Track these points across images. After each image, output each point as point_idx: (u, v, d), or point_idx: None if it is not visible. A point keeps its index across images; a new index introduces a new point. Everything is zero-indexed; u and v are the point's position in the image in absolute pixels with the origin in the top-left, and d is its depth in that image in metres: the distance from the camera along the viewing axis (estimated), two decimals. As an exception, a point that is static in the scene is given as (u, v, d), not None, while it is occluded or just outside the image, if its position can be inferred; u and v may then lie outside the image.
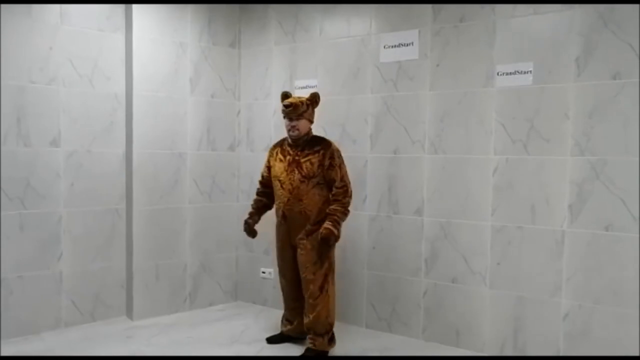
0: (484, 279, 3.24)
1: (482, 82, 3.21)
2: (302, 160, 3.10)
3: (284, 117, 3.16)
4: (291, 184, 3.10)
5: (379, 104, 3.59)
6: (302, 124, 3.11)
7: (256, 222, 3.38)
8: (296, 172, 3.10)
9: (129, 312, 3.82)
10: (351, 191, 3.12)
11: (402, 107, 3.50)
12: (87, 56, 3.61)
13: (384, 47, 3.56)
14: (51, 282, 3.52)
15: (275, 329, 3.60)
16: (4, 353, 3.10)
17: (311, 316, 3.11)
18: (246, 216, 3.41)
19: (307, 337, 3.19)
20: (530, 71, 3.04)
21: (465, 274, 3.30)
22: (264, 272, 4.22)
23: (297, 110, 3.08)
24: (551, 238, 3.02)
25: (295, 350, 3.28)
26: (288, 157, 3.15)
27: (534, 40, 3.04)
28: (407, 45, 3.46)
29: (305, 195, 3.09)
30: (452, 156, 3.33)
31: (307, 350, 3.16)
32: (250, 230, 3.37)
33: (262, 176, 3.40)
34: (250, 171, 4.24)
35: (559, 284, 3.00)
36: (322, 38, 3.85)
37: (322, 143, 3.14)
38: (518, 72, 3.08)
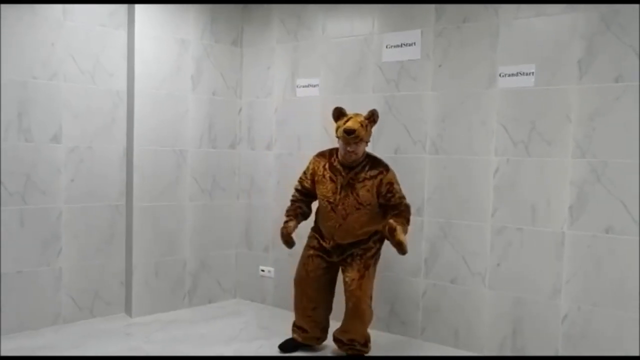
0: (483, 280, 3.25)
1: (484, 83, 3.21)
2: (358, 185, 2.90)
3: (339, 140, 2.91)
4: (344, 210, 2.92)
5: (380, 103, 3.59)
6: (360, 147, 2.90)
7: (294, 229, 3.08)
8: (351, 197, 2.91)
9: (128, 309, 3.83)
10: (410, 209, 3.01)
11: (404, 107, 3.50)
12: (89, 52, 3.61)
13: (387, 46, 3.56)
14: (51, 278, 3.52)
15: (274, 326, 3.61)
16: (3, 348, 3.10)
17: (353, 329, 3.04)
18: (281, 225, 3.13)
19: (347, 347, 3.08)
20: (533, 73, 3.05)
21: (465, 274, 3.31)
22: (263, 270, 4.22)
23: (359, 137, 2.84)
24: (551, 240, 3.02)
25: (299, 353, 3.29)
26: (340, 179, 2.94)
27: (537, 42, 3.04)
28: (410, 45, 3.46)
29: (359, 222, 2.95)
30: (453, 157, 3.33)
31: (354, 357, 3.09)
32: (287, 239, 3.05)
33: (303, 185, 3.14)
34: (251, 170, 4.25)
35: (558, 286, 3.01)
36: (325, 37, 3.85)
37: (378, 167, 2.95)
38: (520, 73, 3.08)
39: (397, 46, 3.51)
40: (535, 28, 3.05)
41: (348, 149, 2.87)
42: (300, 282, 3.15)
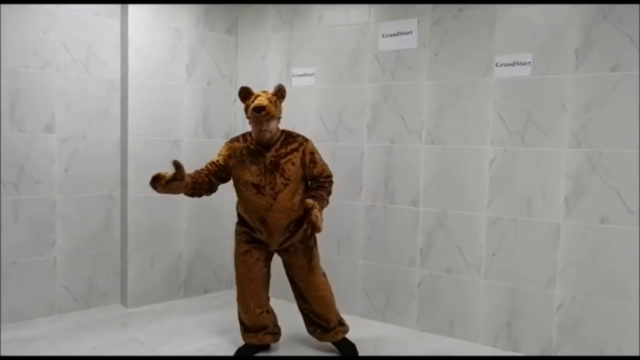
0: (478, 270, 3.25)
1: (480, 72, 3.19)
2: (282, 161, 2.82)
3: (250, 121, 2.82)
4: (273, 189, 2.81)
5: (376, 93, 3.57)
6: (272, 124, 2.80)
7: (182, 175, 2.74)
8: (277, 174, 2.81)
9: (124, 300, 3.82)
10: (332, 177, 2.96)
11: (400, 97, 3.49)
12: (82, 41, 3.57)
13: (383, 35, 3.53)
14: (45, 268, 3.51)
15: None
16: (-2, 339, 3.10)
17: (327, 311, 2.99)
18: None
19: (332, 331, 3.04)
20: (529, 62, 3.03)
21: (460, 264, 3.31)
22: (259, 261, 4.21)
23: (270, 113, 2.74)
24: (546, 230, 3.03)
25: (296, 351, 3.29)
26: (262, 159, 2.83)
27: (534, 31, 3.02)
28: (406, 34, 3.43)
29: (291, 198, 2.83)
30: (449, 147, 3.32)
31: (347, 343, 3.06)
32: (178, 165, 2.74)
33: (215, 164, 2.92)
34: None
35: (553, 276, 3.02)
36: (321, 26, 3.81)
37: (297, 139, 2.89)
38: (517, 63, 3.06)
39: (394, 35, 3.49)
40: (532, 17, 3.03)
41: (261, 127, 2.77)
42: (244, 280, 2.97)
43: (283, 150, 2.85)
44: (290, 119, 3.94)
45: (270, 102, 2.77)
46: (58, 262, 3.56)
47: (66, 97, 3.52)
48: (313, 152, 2.90)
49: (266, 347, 3.11)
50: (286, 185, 2.82)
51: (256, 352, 3.06)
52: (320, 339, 3.08)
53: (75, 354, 2.97)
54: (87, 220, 3.67)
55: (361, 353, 3.10)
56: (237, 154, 2.89)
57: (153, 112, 3.82)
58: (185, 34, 3.96)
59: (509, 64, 3.09)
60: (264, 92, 2.85)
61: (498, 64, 3.13)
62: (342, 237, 3.74)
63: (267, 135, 2.80)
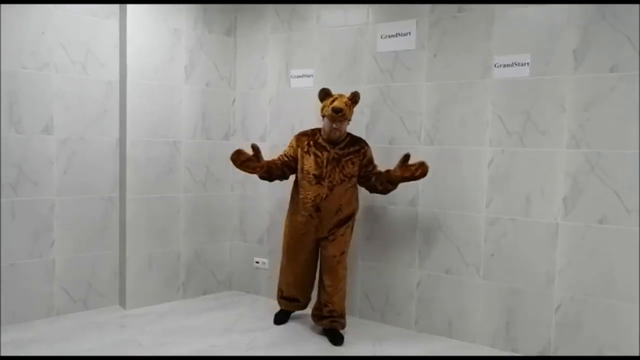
0: (477, 270, 3.26)
1: (479, 73, 3.20)
2: (343, 160, 3.19)
3: (326, 118, 3.15)
4: (331, 182, 3.17)
5: (375, 94, 3.57)
6: (344, 125, 3.17)
7: (258, 158, 3.28)
8: (337, 170, 3.17)
9: (122, 301, 3.81)
10: None
11: (399, 98, 3.49)
12: (80, 42, 3.56)
13: (381, 36, 3.53)
14: (43, 270, 3.50)
15: (268, 317, 3.62)
16: (-4, 341, 3.09)
17: (336, 299, 3.27)
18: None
19: (328, 320, 3.30)
20: (528, 63, 3.04)
21: (459, 265, 3.31)
22: (257, 262, 4.21)
23: (345, 115, 3.11)
24: (545, 230, 3.03)
25: (294, 350, 3.29)
26: (326, 154, 3.19)
27: (532, 32, 3.03)
28: (405, 35, 3.44)
29: (344, 194, 3.21)
30: (447, 147, 3.33)
31: (335, 332, 3.29)
32: (256, 149, 3.26)
33: (286, 155, 3.33)
34: (245, 160, 4.22)
35: (552, 276, 3.02)
36: (319, 27, 3.82)
37: (359, 143, 3.26)
38: (515, 63, 3.07)
39: (392, 36, 3.49)
40: (530, 18, 3.04)
41: (334, 126, 3.13)
42: (293, 259, 3.39)
43: (346, 150, 3.21)
44: (289, 121, 3.97)
45: (346, 105, 3.13)
46: (56, 263, 3.56)
47: (64, 98, 3.52)
48: (372, 156, 3.29)
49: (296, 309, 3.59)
50: (343, 181, 3.20)
51: (289, 317, 3.61)
52: (317, 322, 3.39)
53: (74, 356, 2.96)
54: (85, 222, 3.67)
55: (360, 354, 3.10)
56: (304, 145, 3.26)
57: (152, 114, 3.82)
58: (184, 35, 3.96)
59: (508, 65, 3.09)
60: (341, 95, 3.19)
61: (497, 65, 3.13)
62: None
63: (337, 133, 3.18)
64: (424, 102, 3.40)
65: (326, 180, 3.18)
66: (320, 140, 3.24)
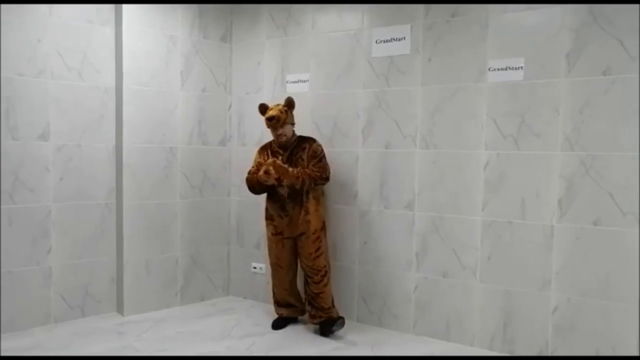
0: (474, 273, 3.27)
1: (473, 77, 3.22)
2: (294, 158, 3.42)
3: (269, 128, 3.43)
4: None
5: (370, 98, 3.59)
6: (287, 129, 3.43)
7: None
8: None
9: (120, 307, 3.81)
10: (327, 177, 3.43)
11: (394, 102, 3.51)
12: (76, 49, 3.57)
13: (376, 41, 3.55)
14: (40, 277, 3.49)
15: (266, 323, 3.62)
16: (-7, 349, 3.08)
17: (323, 295, 3.43)
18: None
19: (318, 313, 3.44)
20: (522, 67, 3.06)
21: (456, 268, 3.33)
22: (255, 267, 4.21)
23: (280, 120, 3.37)
24: (541, 233, 3.05)
25: (292, 349, 3.29)
26: (281, 157, 3.43)
27: (526, 36, 3.06)
28: (399, 40, 3.46)
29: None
30: (443, 151, 3.35)
31: (333, 321, 3.40)
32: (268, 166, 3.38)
33: (256, 170, 3.49)
34: (242, 165, 4.22)
35: (548, 278, 3.04)
36: (314, 32, 3.84)
37: (307, 141, 3.48)
38: (510, 67, 3.09)
39: (387, 41, 3.51)
40: (524, 21, 3.06)
41: (277, 132, 3.42)
42: (273, 265, 3.58)
43: (296, 150, 3.45)
44: (285, 125, 3.96)
45: (281, 112, 3.39)
46: (53, 270, 3.55)
47: (61, 105, 3.52)
48: (316, 150, 3.43)
49: (294, 320, 3.69)
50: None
51: (287, 323, 3.66)
52: (310, 319, 3.52)
53: (74, 356, 2.96)
54: (82, 228, 3.66)
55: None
56: (264, 155, 3.53)
57: (148, 120, 3.82)
58: (180, 41, 3.97)
59: (502, 69, 3.12)
60: (277, 105, 3.46)
61: (491, 69, 3.16)
62: (338, 241, 3.75)
63: (284, 138, 3.44)
64: (419, 106, 3.41)
65: (285, 181, 3.34)
66: (275, 148, 3.51)
